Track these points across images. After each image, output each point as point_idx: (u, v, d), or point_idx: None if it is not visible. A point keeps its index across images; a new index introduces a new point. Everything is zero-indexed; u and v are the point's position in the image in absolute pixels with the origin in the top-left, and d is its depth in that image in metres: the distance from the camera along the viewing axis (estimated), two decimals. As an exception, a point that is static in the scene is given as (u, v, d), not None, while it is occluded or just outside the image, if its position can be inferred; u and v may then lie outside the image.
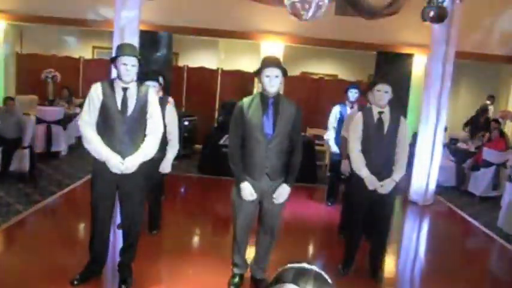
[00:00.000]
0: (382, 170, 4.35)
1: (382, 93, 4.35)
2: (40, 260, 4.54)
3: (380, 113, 4.39)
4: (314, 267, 1.23)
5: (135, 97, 3.84)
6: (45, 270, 4.34)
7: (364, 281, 4.71)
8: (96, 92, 3.80)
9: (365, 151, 4.39)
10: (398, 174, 4.37)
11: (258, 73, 3.86)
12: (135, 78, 3.86)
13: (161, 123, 4.05)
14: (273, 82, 3.79)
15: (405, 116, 8.63)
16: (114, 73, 7.24)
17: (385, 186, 4.35)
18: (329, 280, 1.22)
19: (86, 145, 3.85)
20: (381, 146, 4.35)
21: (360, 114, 4.51)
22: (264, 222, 4.16)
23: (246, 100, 4.00)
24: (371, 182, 4.34)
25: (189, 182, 7.94)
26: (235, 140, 3.99)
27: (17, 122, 7.07)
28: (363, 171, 4.35)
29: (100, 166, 3.87)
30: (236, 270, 4.33)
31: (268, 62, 3.83)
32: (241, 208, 4.03)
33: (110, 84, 3.86)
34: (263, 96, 3.91)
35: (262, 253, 4.29)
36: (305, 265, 1.23)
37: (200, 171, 8.41)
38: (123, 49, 3.82)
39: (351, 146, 4.47)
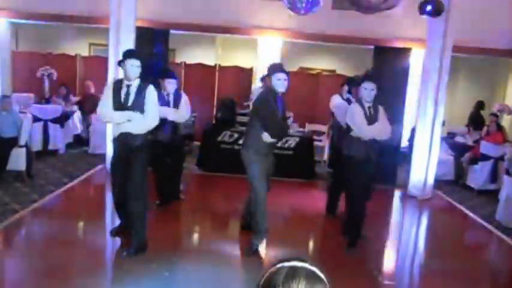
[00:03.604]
0: (372, 150, 5.06)
1: (369, 91, 4.96)
2: (38, 260, 4.53)
3: (369, 107, 5.03)
4: (306, 265, 1.20)
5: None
6: (43, 269, 4.33)
7: (363, 277, 4.72)
8: None
9: (360, 140, 5.04)
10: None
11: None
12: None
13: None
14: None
15: (403, 112, 8.65)
16: (111, 71, 7.30)
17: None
18: (322, 276, 1.19)
19: None
20: None
21: (358, 105, 5.07)
22: None
23: None
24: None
25: (188, 179, 7.90)
26: None
27: (13, 120, 7.02)
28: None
29: None
30: None
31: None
32: None
33: None
34: None
35: None
36: (296, 263, 1.20)
37: (199, 168, 8.38)
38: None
39: (362, 127, 4.99)
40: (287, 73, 4.80)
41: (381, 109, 5.14)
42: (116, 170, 4.80)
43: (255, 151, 4.79)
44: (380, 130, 5.06)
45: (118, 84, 4.66)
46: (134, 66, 4.58)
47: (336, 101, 6.55)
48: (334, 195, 6.33)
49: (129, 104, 4.59)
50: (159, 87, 5.80)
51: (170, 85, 5.94)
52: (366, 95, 4.99)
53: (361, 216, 5.22)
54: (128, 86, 4.61)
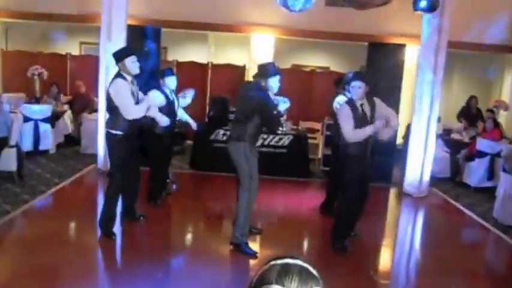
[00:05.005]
0: (368, 149, 5.00)
1: (356, 89, 4.86)
2: (29, 261, 4.47)
3: (361, 105, 4.91)
4: (299, 262, 1.18)
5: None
6: (34, 270, 4.27)
7: (358, 276, 4.66)
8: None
9: None
10: (395, 123, 5.11)
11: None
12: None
13: None
14: None
15: (398, 109, 8.60)
16: (102, 70, 7.20)
17: (387, 132, 5.04)
18: (315, 273, 1.17)
19: None
20: None
21: (347, 107, 4.92)
22: None
23: None
24: (377, 126, 4.83)
25: (181, 179, 7.82)
26: None
27: (3, 120, 6.90)
28: (368, 129, 4.82)
29: None
30: None
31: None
32: None
33: None
34: None
35: None
36: (289, 260, 1.18)
37: (192, 168, 8.30)
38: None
39: (349, 133, 4.85)
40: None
41: (377, 101, 5.04)
42: (134, 159, 5.24)
43: (251, 145, 4.76)
44: (366, 134, 4.86)
45: (128, 81, 4.92)
46: (135, 62, 4.94)
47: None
48: (331, 194, 6.26)
49: (139, 97, 5.07)
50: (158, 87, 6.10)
51: (172, 82, 6.23)
52: (353, 94, 4.91)
53: (355, 215, 5.13)
54: (132, 82, 4.98)
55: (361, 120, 4.88)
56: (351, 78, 5.06)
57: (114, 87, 4.86)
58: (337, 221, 5.19)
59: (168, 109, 5.88)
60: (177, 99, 6.29)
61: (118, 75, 4.93)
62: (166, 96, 5.98)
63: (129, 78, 4.93)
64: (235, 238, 4.88)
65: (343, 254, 5.00)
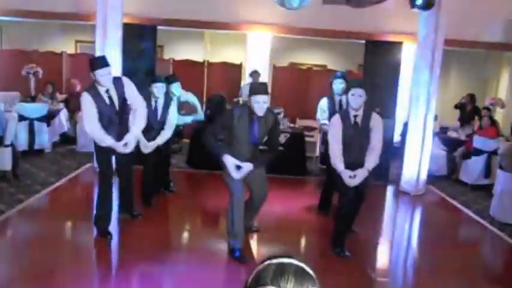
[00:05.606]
0: (360, 162, 4.71)
1: (356, 97, 4.61)
2: (24, 261, 4.44)
3: (355, 116, 4.69)
4: (294, 261, 1.16)
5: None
6: (30, 270, 4.25)
7: (356, 274, 4.65)
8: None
9: (344, 148, 4.72)
10: (370, 164, 4.73)
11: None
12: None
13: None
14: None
15: (395, 107, 8.58)
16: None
17: (358, 176, 4.69)
18: (311, 273, 1.16)
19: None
20: (357, 142, 4.73)
21: (338, 117, 4.76)
22: None
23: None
24: (345, 175, 4.68)
25: (178, 177, 7.80)
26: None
27: (-2, 119, 6.88)
28: (340, 168, 4.69)
29: None
30: None
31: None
32: None
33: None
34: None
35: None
36: (284, 260, 1.16)
37: (189, 166, 8.28)
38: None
39: (333, 148, 4.74)
40: (268, 94, 4.38)
41: (376, 118, 4.77)
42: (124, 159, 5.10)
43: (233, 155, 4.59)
44: (336, 166, 4.70)
45: (98, 94, 4.59)
46: (105, 76, 4.55)
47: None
48: (327, 192, 6.23)
49: (117, 108, 4.71)
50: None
51: (179, 89, 6.32)
52: (352, 101, 4.65)
53: (350, 218, 5.06)
54: (108, 91, 4.63)
55: (352, 132, 4.70)
56: (351, 84, 4.88)
57: (81, 100, 4.66)
58: (335, 225, 5.06)
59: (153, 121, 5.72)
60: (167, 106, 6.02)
61: (89, 87, 4.67)
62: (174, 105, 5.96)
63: (102, 89, 4.60)
64: (229, 243, 4.80)
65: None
